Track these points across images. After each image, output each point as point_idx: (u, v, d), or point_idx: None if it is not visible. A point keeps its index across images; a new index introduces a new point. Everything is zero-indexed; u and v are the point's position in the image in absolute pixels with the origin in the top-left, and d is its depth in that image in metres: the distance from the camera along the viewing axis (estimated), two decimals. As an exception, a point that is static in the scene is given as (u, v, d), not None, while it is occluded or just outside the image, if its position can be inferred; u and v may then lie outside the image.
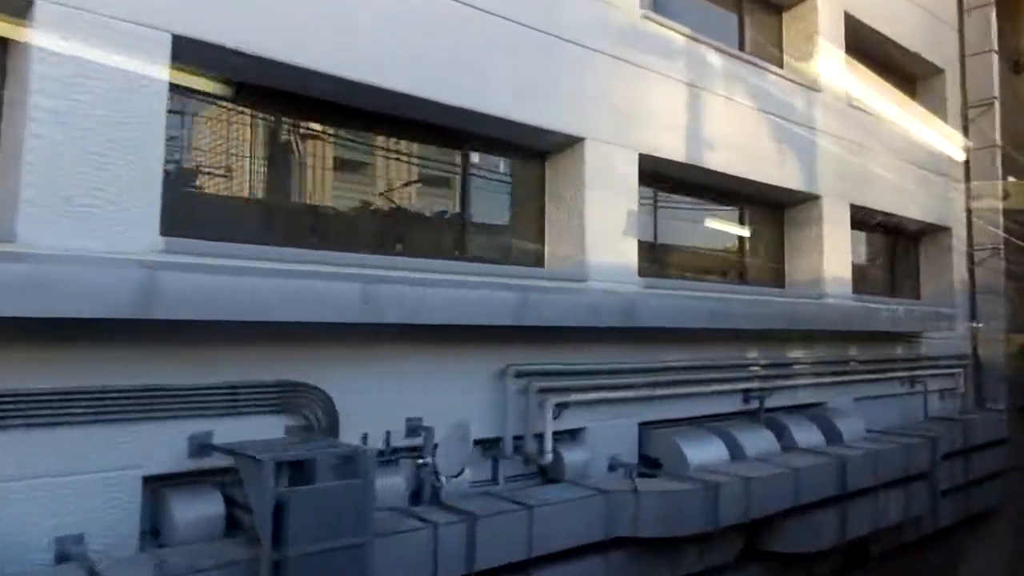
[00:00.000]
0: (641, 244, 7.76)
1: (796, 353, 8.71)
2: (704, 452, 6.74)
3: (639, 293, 6.75)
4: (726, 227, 9.00)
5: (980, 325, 11.99)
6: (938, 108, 12.15)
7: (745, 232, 9.17)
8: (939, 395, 11.40)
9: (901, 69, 12.02)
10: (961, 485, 9.98)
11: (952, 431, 9.88)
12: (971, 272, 12.22)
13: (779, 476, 6.47)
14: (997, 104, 12.15)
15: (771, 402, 8.16)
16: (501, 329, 5.59)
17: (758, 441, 7.34)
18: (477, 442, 5.76)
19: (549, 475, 6.13)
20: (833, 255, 9.39)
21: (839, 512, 7.11)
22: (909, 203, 10.97)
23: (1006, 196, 14.06)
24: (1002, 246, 12.12)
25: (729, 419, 7.80)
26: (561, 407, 6.08)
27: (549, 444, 5.93)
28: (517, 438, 5.86)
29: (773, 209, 9.53)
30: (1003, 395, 12.06)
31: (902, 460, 8.03)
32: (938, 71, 12.21)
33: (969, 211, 12.23)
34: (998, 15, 14.50)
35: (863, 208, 10.09)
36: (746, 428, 7.48)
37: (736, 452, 7.06)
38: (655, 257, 7.98)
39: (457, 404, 5.54)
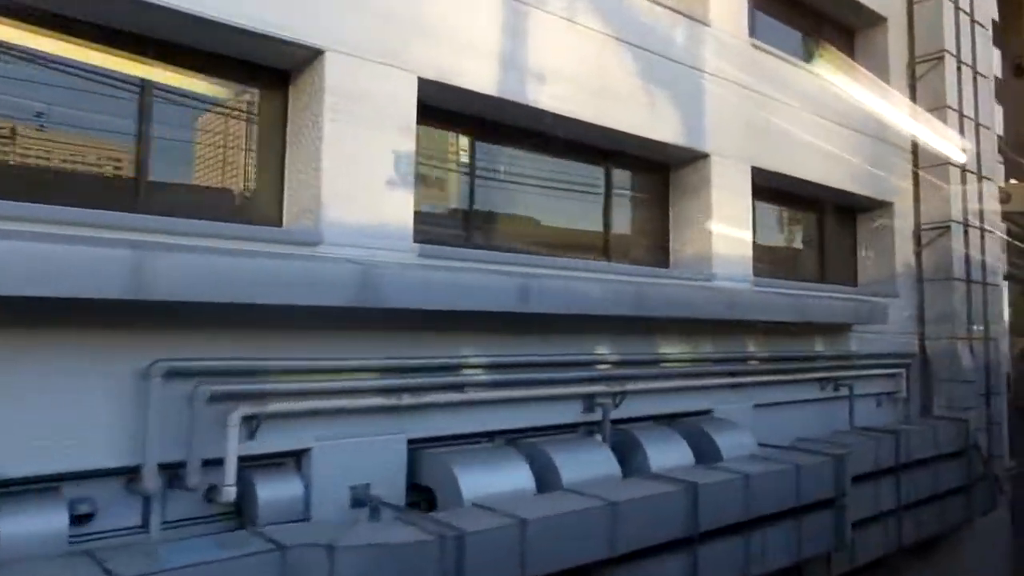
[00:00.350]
0: (450, 208, 6.08)
1: (669, 348, 6.91)
2: (493, 480, 4.94)
3: (405, 265, 4.96)
4: (584, 192, 7.21)
5: (983, 327, 10.20)
6: (880, 63, 10.37)
7: (613, 198, 7.37)
8: (875, 400, 9.62)
9: (836, 18, 10.25)
10: (893, 510, 8.20)
11: (881, 444, 8.08)
12: (918, 255, 10.42)
13: (584, 516, 4.66)
14: (948, 57, 10.34)
15: (629, 410, 6.39)
16: (140, 308, 3.81)
17: (588, 464, 5.54)
18: (109, 472, 3.98)
19: (245, 517, 4.35)
20: (727, 228, 7.59)
21: (687, 560, 5.30)
22: (838, 171, 9.16)
23: (1007, 199, 13.01)
24: (961, 225, 10.32)
25: (565, 432, 6.03)
26: (255, 420, 4.29)
27: (232, 474, 4.14)
28: (176, 465, 4.07)
29: (654, 171, 7.74)
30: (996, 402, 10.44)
31: (792, 485, 6.22)
32: (880, 20, 10.42)
33: (916, 183, 10.43)
34: (999, 18, 12.91)
35: (775, 174, 8.30)
36: (575, 447, 5.69)
37: (548, 480, 5.27)
38: (471, 225, 6.19)
39: (58, 419, 3.75)
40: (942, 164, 10.26)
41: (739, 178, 7.77)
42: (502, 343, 5.51)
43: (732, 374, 7.41)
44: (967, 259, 10.36)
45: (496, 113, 6.05)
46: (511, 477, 5.04)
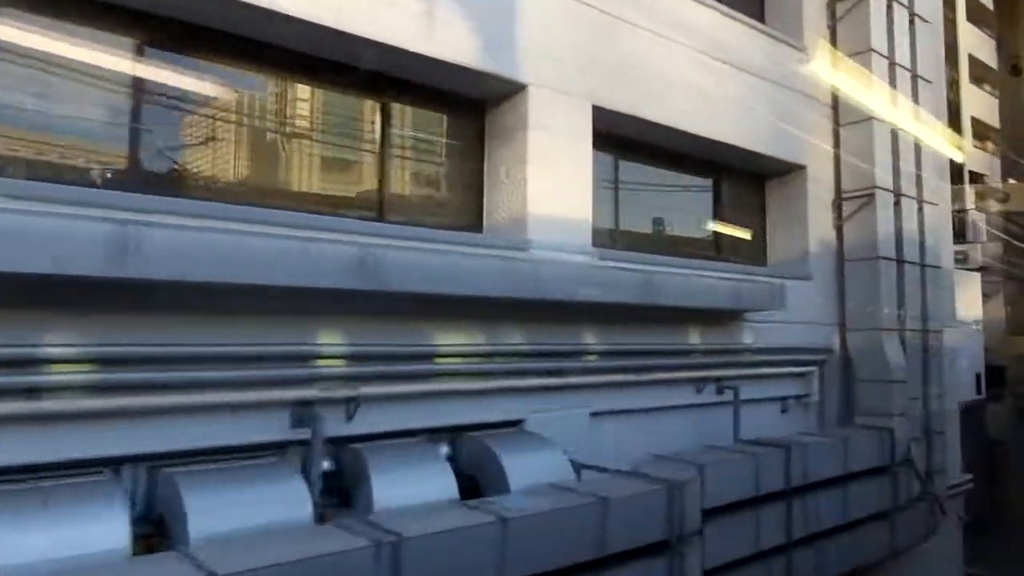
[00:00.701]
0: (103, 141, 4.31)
1: (451, 338, 5.13)
2: (34, 539, 3.15)
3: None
4: (354, 134, 5.42)
5: (921, 317, 8.43)
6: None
7: (396, 142, 5.59)
8: (780, 406, 7.86)
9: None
10: (781, 546, 6.43)
11: (765, 462, 6.30)
12: (839, 230, 8.65)
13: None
14: (873, -8, 8.59)
15: (383, 422, 4.63)
16: None
17: (258, 506, 3.75)
18: None
19: None
20: (552, 183, 5.80)
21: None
22: (733, 123, 7.40)
23: (1006, 198, 12.34)
24: (890, 193, 8.55)
25: (260, 454, 4.25)
26: None
27: None
28: None
29: (465, 110, 5.96)
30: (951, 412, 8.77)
31: (594, 528, 4.43)
32: (792, -52, 8.67)
33: (837, 143, 8.67)
34: (996, 18, 11.38)
35: (636, 120, 6.53)
36: (241, 479, 3.90)
37: (174, 530, 3.49)
38: (138, 166, 4.40)
39: None
40: (866, 120, 8.49)
41: (573, 118, 5.99)
42: (115, 327, 3.71)
43: (554, 373, 5.63)
44: (899, 235, 8.60)
45: (178, 9, 4.28)
46: (79, 534, 3.25)
